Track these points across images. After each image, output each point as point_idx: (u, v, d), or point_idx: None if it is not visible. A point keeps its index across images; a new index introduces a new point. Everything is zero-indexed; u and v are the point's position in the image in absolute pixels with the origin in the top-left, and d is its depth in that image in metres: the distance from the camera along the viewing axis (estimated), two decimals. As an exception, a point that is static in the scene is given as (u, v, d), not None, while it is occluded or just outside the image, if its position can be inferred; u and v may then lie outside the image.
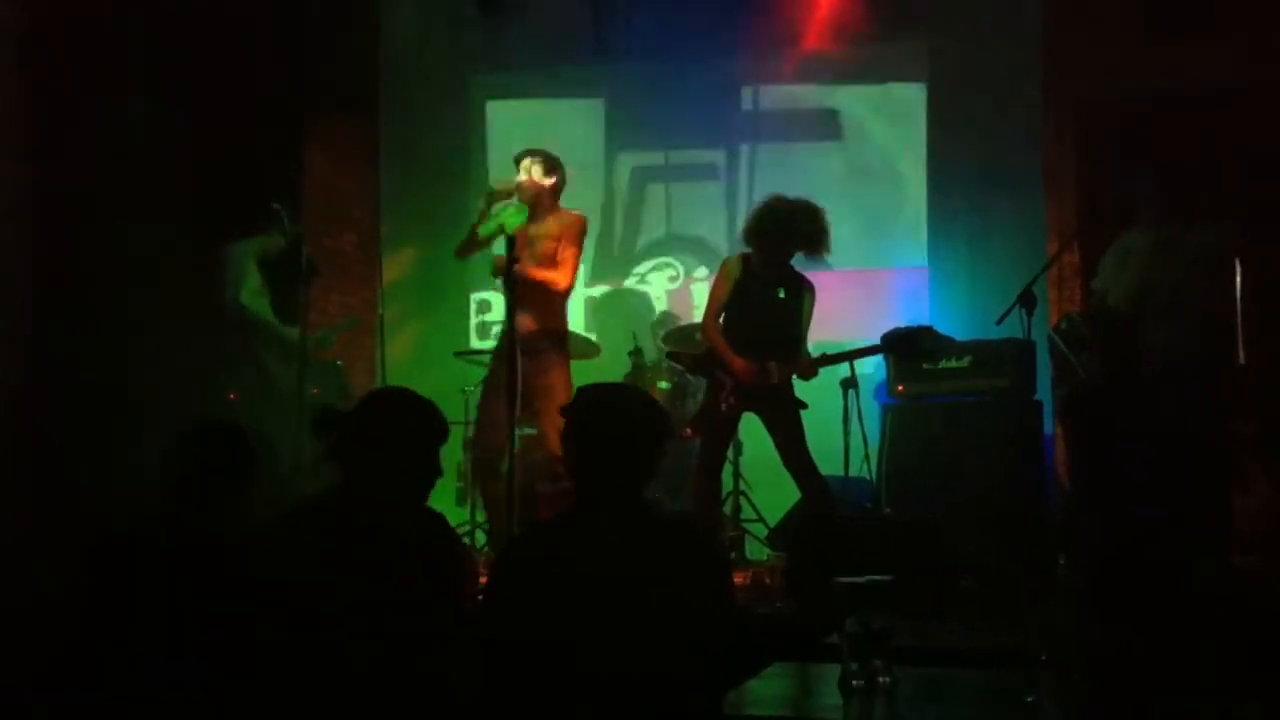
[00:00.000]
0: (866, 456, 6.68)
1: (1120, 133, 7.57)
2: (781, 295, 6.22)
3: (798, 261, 6.31)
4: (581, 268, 6.79)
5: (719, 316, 6.26)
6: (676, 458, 6.84)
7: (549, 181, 6.47)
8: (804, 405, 6.18)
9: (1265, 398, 6.63)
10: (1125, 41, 7.65)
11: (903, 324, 6.43)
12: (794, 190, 6.37)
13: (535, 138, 6.83)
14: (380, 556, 3.30)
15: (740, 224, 6.93)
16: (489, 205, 6.48)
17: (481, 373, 6.94)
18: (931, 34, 9.06)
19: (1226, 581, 5.21)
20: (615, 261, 9.80)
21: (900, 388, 7.11)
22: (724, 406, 6.18)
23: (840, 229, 6.44)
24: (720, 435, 6.29)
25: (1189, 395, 5.84)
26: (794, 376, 6.22)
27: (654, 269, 9.79)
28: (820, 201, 6.33)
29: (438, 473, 3.51)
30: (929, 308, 8.88)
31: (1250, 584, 5.37)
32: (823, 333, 6.56)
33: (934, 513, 6.23)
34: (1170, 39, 7.48)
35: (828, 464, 6.33)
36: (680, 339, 7.77)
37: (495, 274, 6.33)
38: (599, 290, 9.70)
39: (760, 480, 7.45)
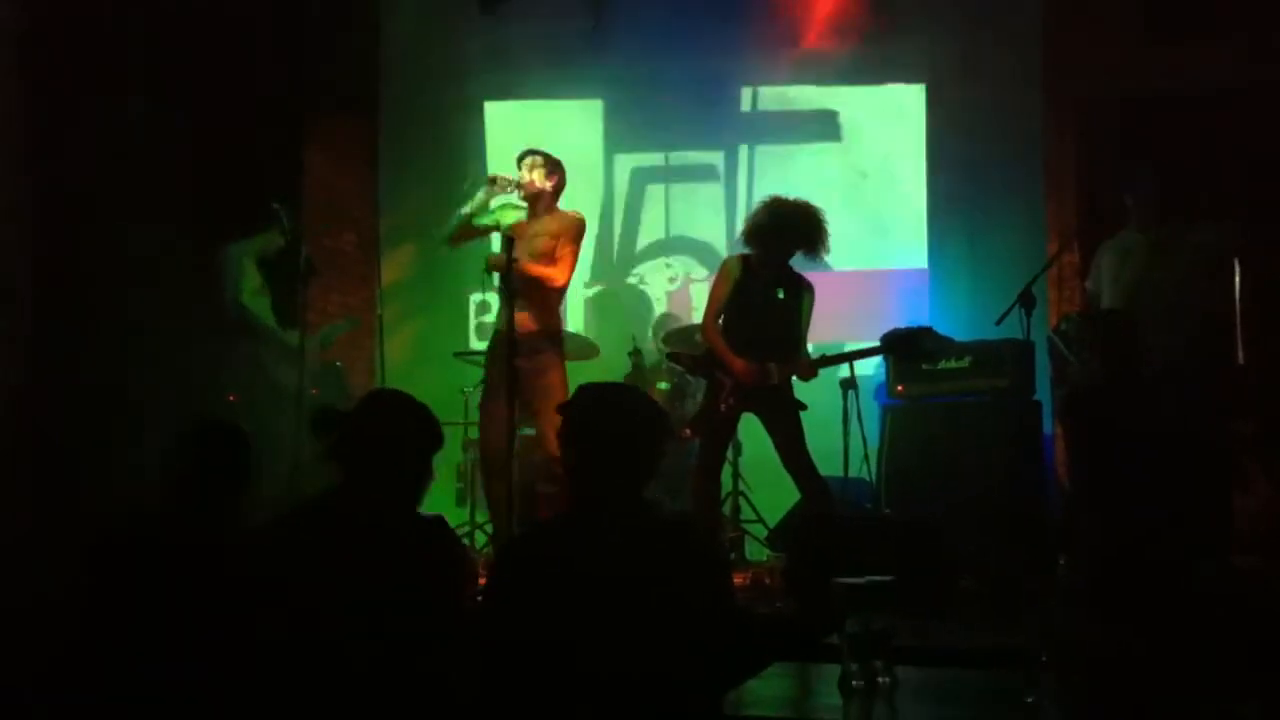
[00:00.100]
0: (866, 457, 6.69)
1: (1120, 133, 7.57)
2: (781, 296, 6.23)
3: (797, 262, 6.31)
4: (580, 268, 6.79)
5: (719, 317, 6.26)
6: (676, 458, 6.84)
7: (550, 182, 6.49)
8: (803, 406, 6.18)
9: (1265, 398, 6.64)
10: (1125, 41, 7.66)
11: (902, 324, 6.43)
12: (793, 191, 6.37)
13: (534, 138, 6.83)
14: (380, 557, 3.30)
15: (739, 225, 6.93)
16: (488, 197, 6.49)
17: (481, 373, 6.94)
18: (931, 34, 9.06)
19: (1226, 581, 5.20)
20: (614, 262, 9.79)
21: (900, 388, 7.12)
22: (723, 407, 6.18)
23: (840, 229, 6.43)
24: (720, 436, 6.29)
25: (1189, 395, 5.85)
26: (793, 377, 6.22)
27: (653, 270, 9.78)
28: (820, 202, 6.33)
29: (430, 477, 3.51)
30: (929, 308, 8.88)
31: (1250, 584, 5.37)
32: (822, 333, 6.57)
33: (934, 513, 6.23)
34: (1170, 39, 7.48)
35: (827, 465, 6.33)
36: (680, 340, 7.76)
37: (489, 270, 6.35)
38: (598, 291, 9.69)
39: (760, 481, 7.44)
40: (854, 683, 3.35)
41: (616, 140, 9.72)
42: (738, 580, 6.16)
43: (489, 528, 7.38)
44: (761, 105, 9.73)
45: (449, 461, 7.95)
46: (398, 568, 3.29)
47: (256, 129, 7.67)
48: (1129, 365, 5.77)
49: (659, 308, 9.56)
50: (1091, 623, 4.63)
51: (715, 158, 9.74)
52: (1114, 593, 4.98)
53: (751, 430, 6.51)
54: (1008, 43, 8.39)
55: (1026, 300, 6.11)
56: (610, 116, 9.74)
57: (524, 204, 6.53)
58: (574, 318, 9.38)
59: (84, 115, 6.78)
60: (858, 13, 8.99)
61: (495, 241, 6.66)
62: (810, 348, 6.39)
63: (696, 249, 9.73)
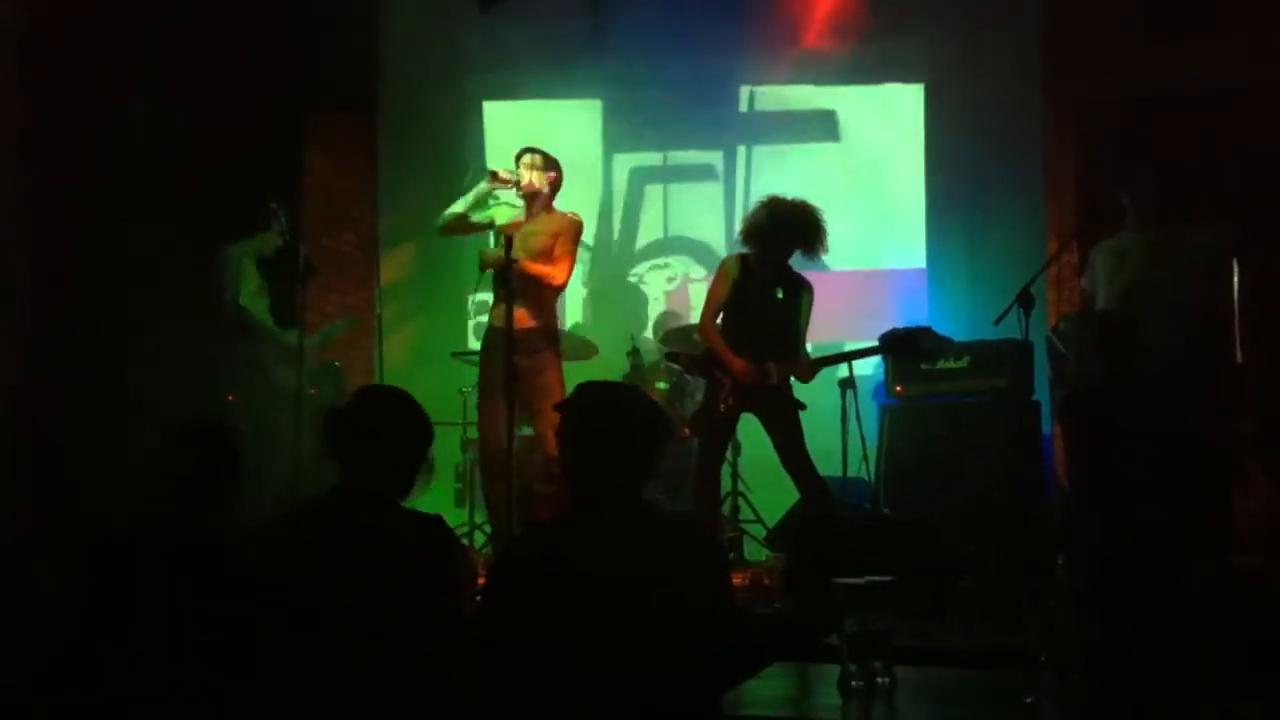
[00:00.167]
0: (865, 457, 6.69)
1: (1120, 133, 7.57)
2: (780, 296, 6.22)
3: (796, 261, 6.31)
4: (578, 267, 6.80)
5: (717, 316, 6.25)
6: (675, 458, 6.84)
7: (548, 180, 6.50)
8: (802, 406, 6.18)
9: (1265, 397, 6.64)
10: (1125, 41, 7.67)
11: (901, 324, 6.43)
12: (792, 190, 6.37)
13: (533, 137, 6.84)
14: (380, 557, 3.30)
15: (738, 224, 6.93)
16: (487, 191, 6.49)
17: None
18: (931, 34, 9.06)
19: (1226, 581, 5.21)
20: (613, 262, 9.80)
21: (899, 388, 7.12)
22: (722, 407, 6.17)
23: (838, 229, 6.43)
24: (719, 436, 6.29)
25: (1189, 395, 5.85)
26: (792, 377, 6.21)
27: (652, 269, 9.78)
28: (818, 202, 6.33)
29: (426, 470, 3.51)
30: (927, 308, 8.88)
31: (1250, 584, 5.37)
32: (821, 333, 6.57)
33: (932, 513, 6.23)
34: (1170, 39, 7.49)
35: (826, 465, 6.33)
36: (679, 339, 7.76)
37: (483, 267, 6.36)
38: (596, 290, 9.69)
39: (759, 481, 7.44)
40: (853, 683, 3.35)
41: (615, 140, 9.73)
42: (737, 580, 6.16)
43: (488, 528, 7.38)
44: (760, 105, 9.74)
45: (448, 462, 7.95)
46: (397, 568, 3.29)
47: (256, 129, 7.67)
48: (1129, 365, 5.77)
49: (658, 307, 9.57)
50: (1091, 623, 4.63)
51: (714, 157, 9.75)
52: (1114, 593, 4.98)
53: (751, 430, 6.51)
54: (1007, 42, 8.40)
55: (1025, 300, 6.10)
56: (609, 116, 9.75)
57: (519, 203, 6.54)
58: (572, 317, 9.39)
59: (84, 115, 6.78)
60: (857, 12, 8.99)
61: (489, 239, 6.66)
62: (809, 347, 6.39)
63: (695, 248, 9.74)
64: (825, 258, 6.46)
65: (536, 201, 6.49)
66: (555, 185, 6.56)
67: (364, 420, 3.49)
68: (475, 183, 6.55)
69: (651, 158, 9.82)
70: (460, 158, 9.58)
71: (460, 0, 8.60)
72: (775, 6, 9.08)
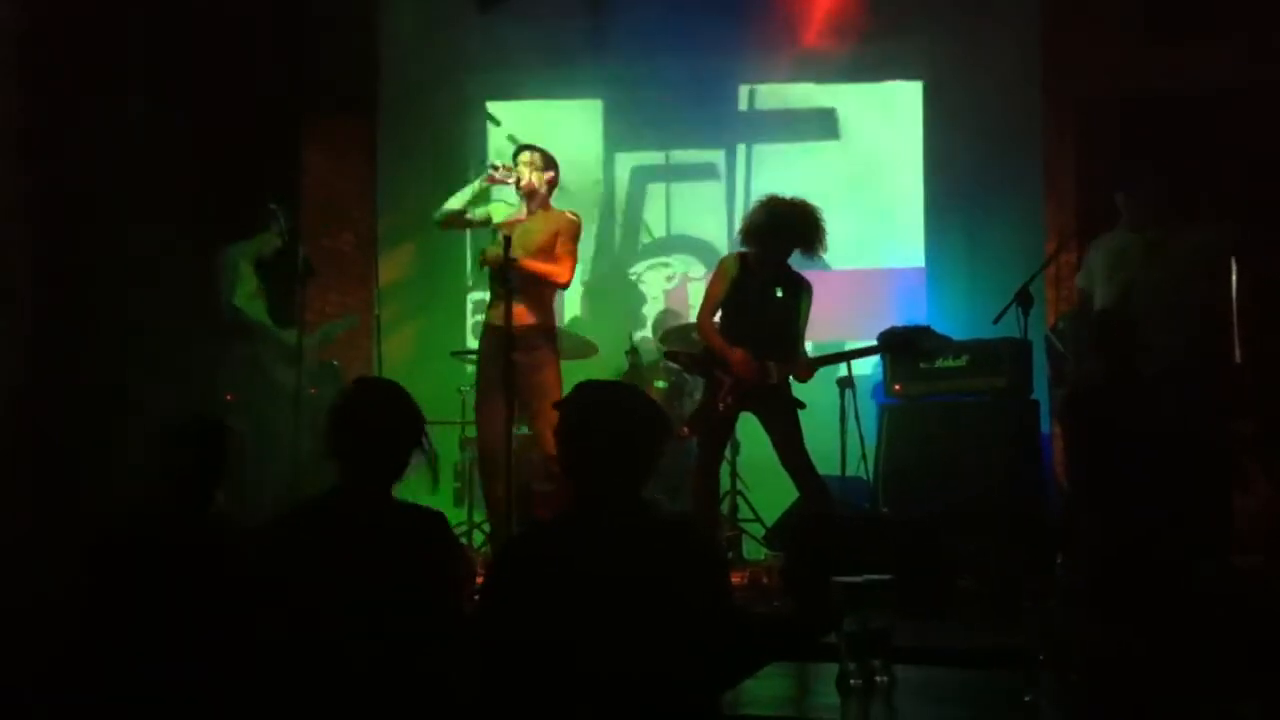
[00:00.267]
0: (864, 456, 6.69)
1: (1120, 133, 7.57)
2: (779, 295, 6.21)
3: (795, 260, 6.31)
4: (577, 266, 6.79)
5: (714, 314, 6.24)
6: (674, 457, 6.84)
7: (545, 178, 6.51)
8: (801, 405, 6.18)
9: (1265, 397, 6.64)
10: (1125, 41, 7.66)
11: (900, 323, 6.42)
12: (792, 189, 6.37)
13: (532, 137, 6.85)
14: (379, 556, 3.30)
15: (738, 223, 6.93)
16: (486, 185, 6.49)
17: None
18: (931, 33, 9.06)
19: (1226, 581, 5.21)
20: (612, 260, 9.80)
21: (897, 387, 7.12)
22: (721, 406, 6.17)
23: (837, 228, 6.43)
24: (718, 435, 6.29)
25: (1189, 395, 5.85)
26: (791, 377, 6.21)
27: (651, 268, 9.78)
28: (817, 201, 6.32)
29: (407, 463, 3.49)
30: (926, 307, 8.88)
31: (1250, 584, 5.37)
32: (820, 332, 6.57)
33: (931, 512, 6.23)
34: (1170, 39, 7.49)
35: (825, 464, 6.33)
36: (678, 338, 7.77)
37: (482, 264, 6.37)
38: (596, 289, 9.69)
39: (757, 480, 7.44)
40: (852, 682, 3.35)
41: (615, 139, 9.73)
42: (735, 579, 6.16)
43: (486, 527, 7.38)
44: (760, 104, 9.73)
45: (447, 461, 7.95)
46: (397, 567, 3.29)
47: (256, 129, 7.67)
48: (1129, 365, 5.77)
49: (657, 306, 9.56)
50: (1091, 623, 4.63)
51: (713, 156, 9.75)
52: (1114, 593, 4.98)
53: (749, 429, 6.50)
54: (1007, 42, 8.38)
55: (1024, 299, 6.10)
56: (609, 115, 9.75)
57: (516, 200, 6.55)
58: (571, 316, 9.39)
59: (84, 115, 6.79)
60: (856, 11, 8.98)
61: (488, 237, 6.66)
62: (808, 346, 6.38)
63: (694, 247, 9.73)
64: (824, 256, 6.45)
65: (534, 199, 6.50)
66: (553, 184, 6.58)
67: (358, 412, 3.49)
68: (476, 176, 6.55)
69: (650, 157, 9.82)
70: (460, 158, 9.59)
71: (460, 0, 8.60)
72: (775, 6, 9.08)
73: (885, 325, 6.38)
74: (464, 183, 6.78)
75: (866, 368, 7.89)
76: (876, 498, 6.91)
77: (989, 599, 5.56)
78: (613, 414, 3.23)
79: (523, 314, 6.24)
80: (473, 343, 8.63)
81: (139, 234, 6.74)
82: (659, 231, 9.80)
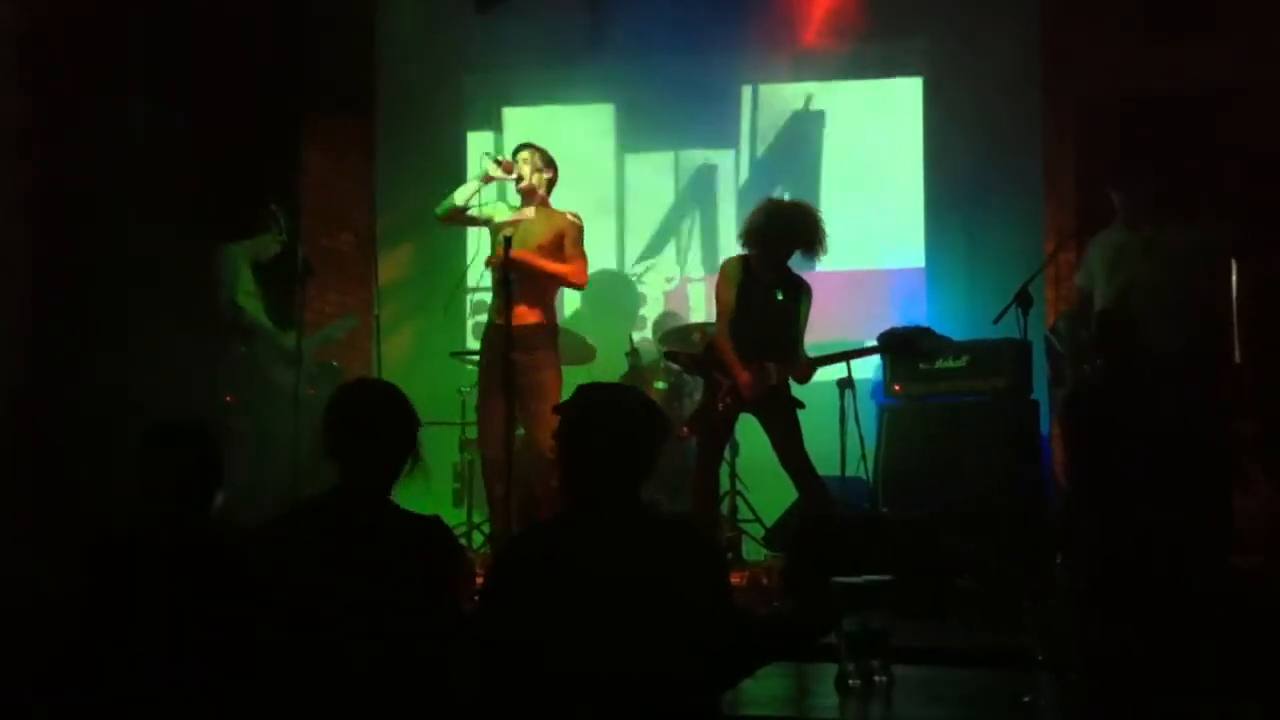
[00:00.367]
0: (863, 457, 6.68)
1: (1120, 133, 7.57)
2: (780, 298, 6.21)
3: (794, 261, 6.30)
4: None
5: (730, 322, 6.21)
6: (674, 458, 6.84)
7: (545, 177, 6.51)
8: (801, 405, 6.17)
9: (1265, 397, 6.64)
10: (1125, 41, 7.66)
11: (900, 324, 6.42)
12: (791, 189, 6.37)
13: (530, 136, 6.85)
14: (379, 557, 3.30)
15: (737, 224, 6.93)
16: (484, 180, 6.49)
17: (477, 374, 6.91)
18: (930, 34, 9.06)
19: (1226, 581, 5.21)
20: (610, 261, 9.80)
21: (897, 387, 7.13)
22: (720, 406, 6.17)
23: (837, 228, 6.43)
24: (717, 435, 6.29)
25: (1189, 395, 5.85)
26: (790, 377, 6.21)
27: (649, 269, 9.79)
28: (818, 201, 6.33)
29: (404, 463, 3.49)
30: (926, 307, 8.88)
31: (1250, 584, 5.37)
32: (819, 333, 6.56)
33: (931, 513, 6.23)
34: (1170, 39, 7.48)
35: (824, 464, 6.33)
36: (678, 339, 7.76)
37: (488, 265, 6.37)
38: (595, 290, 9.67)
39: (757, 480, 7.44)
40: (851, 682, 3.36)
41: (613, 139, 9.73)
42: (735, 580, 6.15)
43: (486, 527, 7.38)
44: (760, 103, 9.73)
45: (446, 461, 7.95)
46: (396, 568, 3.29)
47: (256, 129, 7.67)
48: (1129, 365, 5.77)
49: (656, 306, 9.56)
50: (1091, 623, 4.63)
51: (712, 155, 9.76)
52: (1114, 593, 4.98)
53: (749, 430, 6.51)
54: (1007, 42, 8.38)
55: (1024, 299, 6.10)
56: (607, 116, 9.75)
57: (515, 202, 6.55)
58: (571, 317, 9.38)
59: (84, 115, 6.79)
60: (857, 12, 8.98)
61: (487, 234, 6.65)
62: (807, 347, 6.38)
63: (693, 247, 9.73)
64: (824, 258, 6.44)
65: (533, 198, 6.50)
66: (552, 183, 6.57)
67: (355, 413, 3.48)
68: (480, 170, 6.55)
69: (649, 157, 9.82)
70: (458, 157, 9.60)
71: (458, 0, 8.61)
72: (774, 5, 9.07)
73: (885, 326, 6.39)
74: (464, 180, 6.77)
75: (867, 371, 7.89)
76: (876, 498, 6.91)
77: (989, 599, 5.57)
78: (612, 415, 3.24)
79: (524, 313, 6.24)
80: (471, 343, 8.65)
81: (139, 234, 6.74)
82: (655, 232, 9.80)
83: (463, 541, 7.42)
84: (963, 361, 6.95)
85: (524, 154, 6.54)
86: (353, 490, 3.40)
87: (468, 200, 6.50)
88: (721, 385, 6.16)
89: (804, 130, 9.54)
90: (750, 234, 6.24)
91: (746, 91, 9.69)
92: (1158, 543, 5.13)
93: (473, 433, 7.23)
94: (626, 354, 8.02)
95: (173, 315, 6.78)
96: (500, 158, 6.51)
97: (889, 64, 9.33)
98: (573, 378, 5.61)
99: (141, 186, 6.80)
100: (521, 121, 9.57)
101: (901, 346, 6.32)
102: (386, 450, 3.44)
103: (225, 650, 3.32)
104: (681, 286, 9.68)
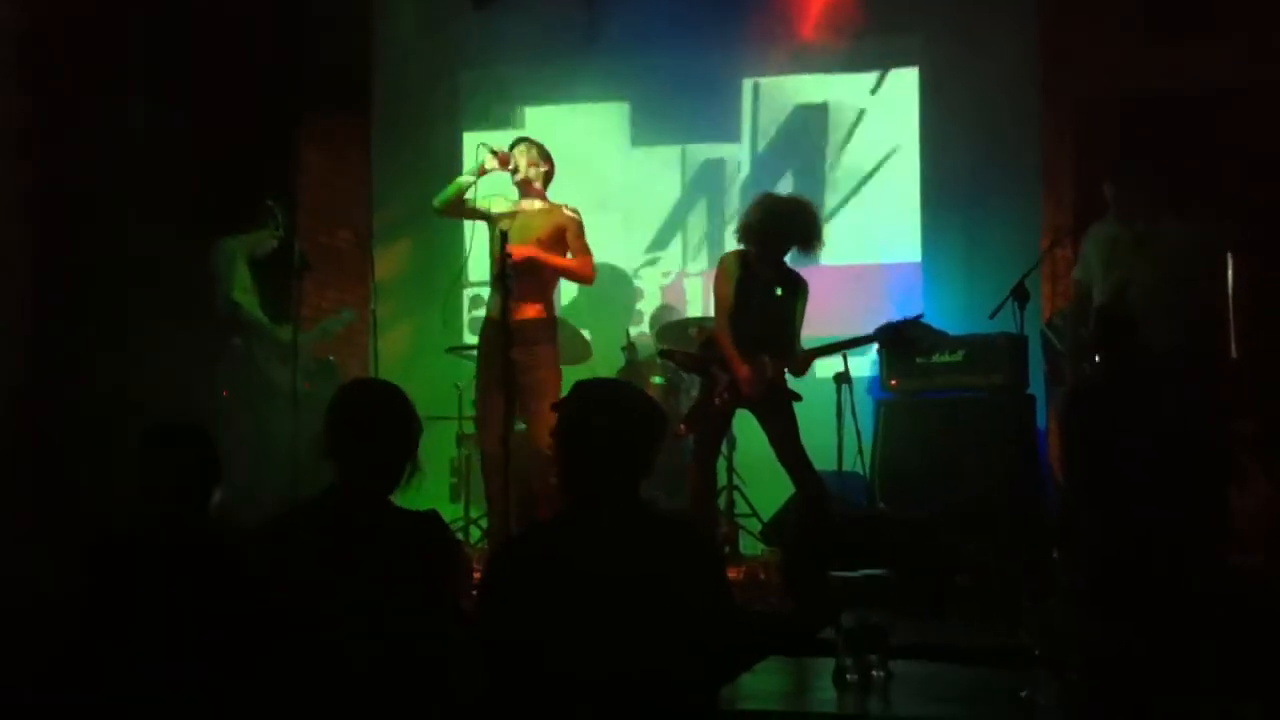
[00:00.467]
0: (860, 452, 6.69)
1: (1120, 132, 7.57)
2: (778, 293, 6.21)
3: (790, 256, 6.29)
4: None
5: (729, 317, 6.21)
6: (671, 455, 6.83)
7: (542, 171, 6.52)
8: (798, 397, 6.16)
9: (1264, 397, 6.64)
10: (1125, 41, 7.66)
11: (896, 318, 6.41)
12: (789, 184, 6.36)
13: (530, 132, 6.86)
14: (378, 555, 3.30)
15: (734, 219, 6.92)
16: (484, 169, 6.48)
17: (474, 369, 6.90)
18: (928, 30, 9.05)
19: (1226, 581, 5.21)
20: (606, 256, 9.76)
21: (894, 382, 7.12)
22: (718, 401, 6.17)
23: (834, 223, 6.42)
24: (715, 431, 6.28)
25: (1189, 395, 5.85)
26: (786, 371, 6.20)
27: (646, 263, 9.77)
28: (815, 196, 6.31)
29: (406, 464, 3.48)
30: (923, 302, 8.87)
31: (1250, 584, 5.37)
32: (816, 328, 6.54)
33: (929, 509, 6.23)
34: (1170, 39, 7.48)
35: (821, 459, 6.33)
36: (674, 333, 7.76)
37: (498, 260, 6.37)
38: (592, 285, 9.67)
39: (754, 476, 7.44)
40: (848, 677, 3.36)
41: (609, 135, 9.72)
42: (732, 575, 6.15)
43: (483, 523, 7.38)
44: (758, 98, 9.70)
45: (443, 457, 7.95)
46: (395, 566, 3.29)
47: (255, 128, 7.67)
48: (1129, 365, 5.77)
49: (653, 301, 9.55)
50: (1091, 622, 4.64)
51: (710, 150, 9.73)
52: (1113, 592, 4.98)
53: (746, 425, 6.50)
54: (1006, 40, 8.38)
55: (1020, 294, 6.09)
56: (604, 111, 9.74)
57: (513, 196, 6.55)
58: (568, 311, 9.38)
59: (84, 115, 6.79)
60: (855, 8, 8.97)
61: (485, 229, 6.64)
62: (803, 343, 6.38)
63: (691, 242, 9.72)
64: (821, 252, 6.43)
65: (530, 192, 6.50)
66: (548, 177, 6.57)
67: (355, 413, 3.49)
68: (478, 162, 6.55)
69: (647, 152, 9.79)
70: (454, 154, 9.60)
71: (456, -2, 8.63)
72: (772, 2, 9.07)
73: (881, 321, 6.36)
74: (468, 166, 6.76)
75: (865, 368, 7.89)
76: (873, 493, 6.90)
77: (987, 597, 5.57)
78: (611, 412, 3.23)
79: (523, 307, 6.24)
80: (469, 338, 8.64)
81: (139, 234, 6.75)
82: (653, 227, 9.78)
83: (460, 536, 7.42)
84: (959, 356, 6.95)
85: (520, 147, 6.55)
86: (352, 490, 3.40)
87: (464, 190, 6.51)
88: (719, 381, 6.15)
89: (803, 123, 9.53)
90: (747, 230, 6.23)
91: (748, 85, 9.67)
92: (1157, 542, 5.14)
93: (470, 428, 7.23)
94: (623, 348, 8.01)
95: (173, 315, 6.78)
96: (496, 150, 6.51)
97: (887, 61, 9.30)
98: (571, 376, 5.63)
99: (141, 186, 6.81)
100: (522, 118, 9.56)
101: (894, 337, 6.26)
102: (387, 451, 3.44)
103: (225, 650, 3.33)
104: (678, 281, 9.66)
